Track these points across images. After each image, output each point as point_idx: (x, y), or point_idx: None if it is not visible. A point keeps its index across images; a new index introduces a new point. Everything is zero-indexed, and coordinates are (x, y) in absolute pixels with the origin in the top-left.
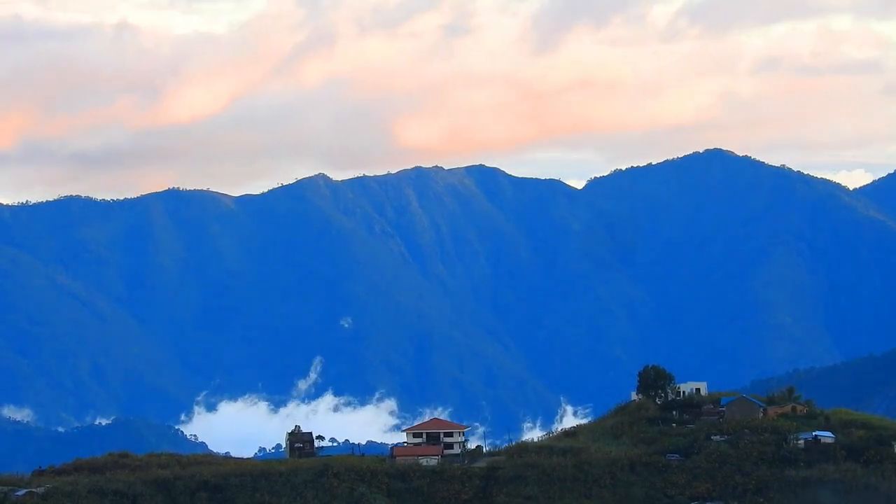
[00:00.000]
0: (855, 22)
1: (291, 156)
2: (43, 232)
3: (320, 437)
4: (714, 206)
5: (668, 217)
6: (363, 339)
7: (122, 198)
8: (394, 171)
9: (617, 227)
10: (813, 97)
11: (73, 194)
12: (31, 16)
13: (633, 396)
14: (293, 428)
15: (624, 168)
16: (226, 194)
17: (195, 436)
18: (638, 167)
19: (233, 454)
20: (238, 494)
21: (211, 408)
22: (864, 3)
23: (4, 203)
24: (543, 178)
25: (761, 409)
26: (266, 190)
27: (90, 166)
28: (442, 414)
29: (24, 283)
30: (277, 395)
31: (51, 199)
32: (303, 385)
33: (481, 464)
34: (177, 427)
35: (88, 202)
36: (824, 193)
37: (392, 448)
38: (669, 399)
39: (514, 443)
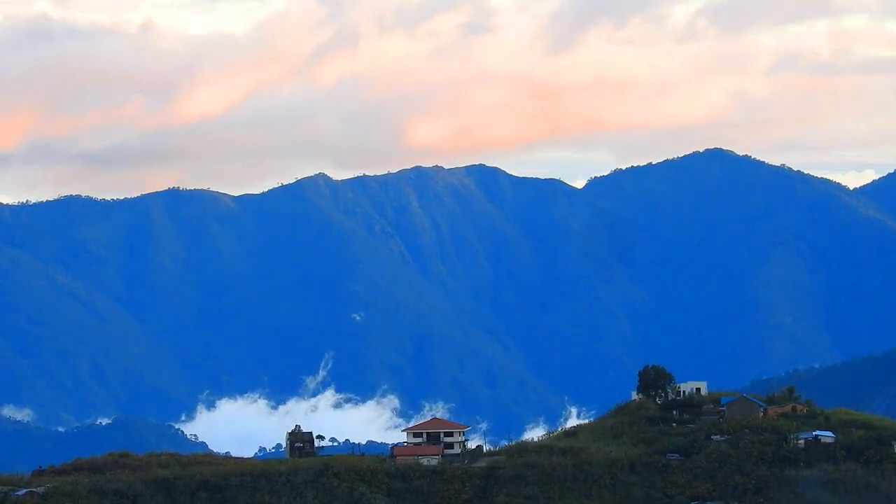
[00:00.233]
0: (869, 21)
1: (299, 155)
2: (43, 232)
3: (320, 437)
4: (714, 206)
5: (669, 217)
6: (363, 338)
7: (123, 198)
8: (394, 171)
9: (617, 226)
10: (827, 97)
11: (75, 194)
12: (56, 16)
13: (634, 396)
14: (293, 427)
15: (624, 168)
16: (226, 194)
17: (195, 436)
18: (638, 167)
19: (233, 454)
20: (238, 494)
21: (211, 407)
22: (878, 3)
23: (5, 202)
24: (543, 177)
25: (761, 409)
26: (266, 190)
27: (97, 166)
28: (442, 414)
29: (24, 283)
30: (278, 395)
31: (51, 199)
32: (311, 382)
33: (481, 464)
34: (177, 427)
35: (88, 202)
36: (824, 193)
37: (392, 448)
38: (669, 399)
39: (514, 442)
